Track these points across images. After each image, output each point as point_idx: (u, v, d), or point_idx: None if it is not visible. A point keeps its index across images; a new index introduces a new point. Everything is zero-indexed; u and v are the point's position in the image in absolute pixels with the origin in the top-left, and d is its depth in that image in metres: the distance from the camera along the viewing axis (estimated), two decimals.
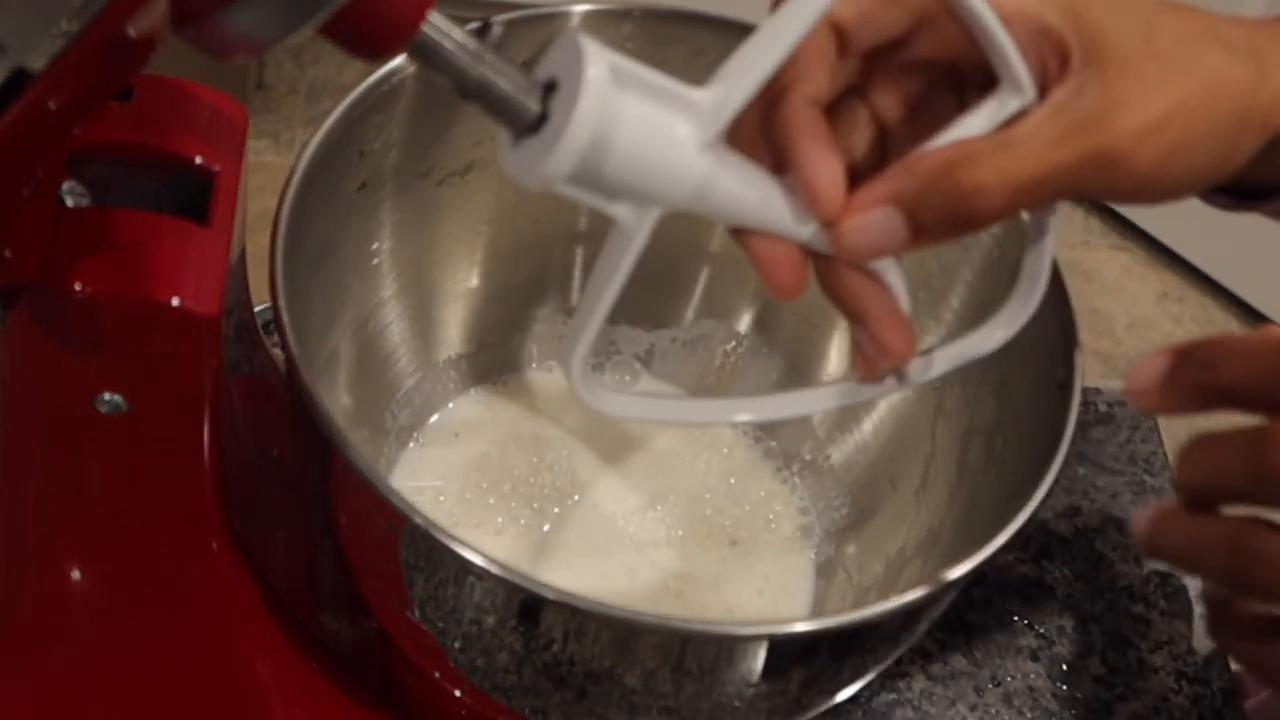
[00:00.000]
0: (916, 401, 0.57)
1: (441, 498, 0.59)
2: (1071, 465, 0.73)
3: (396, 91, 0.50)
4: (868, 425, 0.60)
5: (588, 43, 0.36)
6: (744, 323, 0.63)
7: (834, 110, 0.42)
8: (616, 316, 0.63)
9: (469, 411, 0.62)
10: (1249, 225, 2.09)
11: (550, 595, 0.40)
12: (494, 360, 0.63)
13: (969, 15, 0.38)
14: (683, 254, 0.62)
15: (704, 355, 0.64)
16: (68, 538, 0.47)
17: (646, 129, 0.37)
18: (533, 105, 0.37)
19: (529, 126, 0.37)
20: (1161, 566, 0.39)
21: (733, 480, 0.62)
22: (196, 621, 0.50)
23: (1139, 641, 0.67)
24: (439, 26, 0.37)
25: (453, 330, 0.62)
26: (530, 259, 0.62)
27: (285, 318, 0.43)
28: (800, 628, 0.42)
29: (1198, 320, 1.84)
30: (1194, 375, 0.38)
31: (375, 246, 0.55)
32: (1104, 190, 0.38)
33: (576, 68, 0.36)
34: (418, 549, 0.42)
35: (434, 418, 0.61)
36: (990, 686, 0.64)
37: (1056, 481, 0.44)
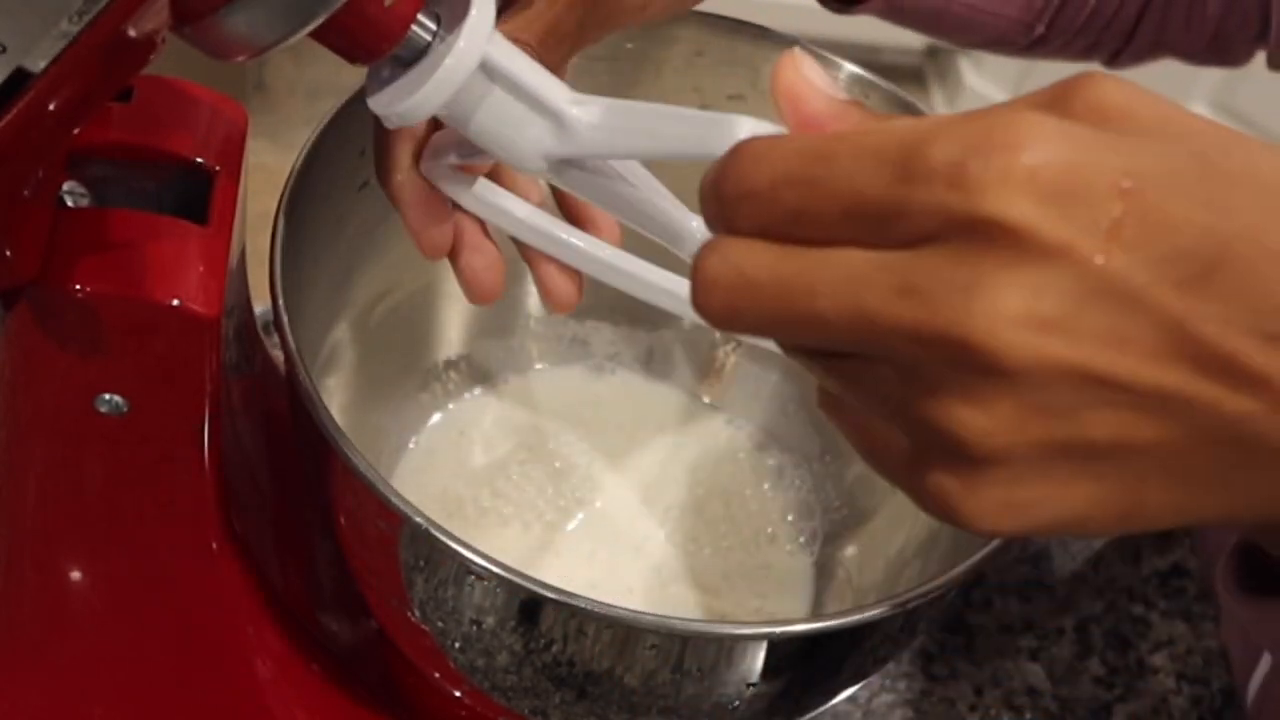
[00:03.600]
0: None
1: (443, 498, 0.59)
2: None
3: None
4: None
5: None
6: None
7: None
8: (617, 317, 0.63)
9: (470, 412, 0.62)
10: None
11: (550, 595, 0.40)
12: (494, 360, 0.63)
13: None
14: None
15: (703, 356, 0.64)
16: (68, 538, 0.47)
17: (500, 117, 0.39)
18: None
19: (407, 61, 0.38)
20: None
21: (734, 481, 0.62)
22: (196, 621, 0.50)
23: (1139, 641, 0.67)
24: (426, 25, 0.37)
25: (453, 330, 0.62)
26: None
27: (285, 318, 0.43)
28: (800, 628, 0.42)
29: None
30: None
31: (375, 247, 0.55)
32: (605, 26, 0.43)
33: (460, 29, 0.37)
34: (417, 549, 0.42)
35: (434, 418, 0.61)
36: (990, 686, 0.64)
37: None
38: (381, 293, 0.57)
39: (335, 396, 0.55)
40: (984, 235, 0.25)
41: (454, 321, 0.61)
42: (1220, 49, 0.65)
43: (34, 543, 0.47)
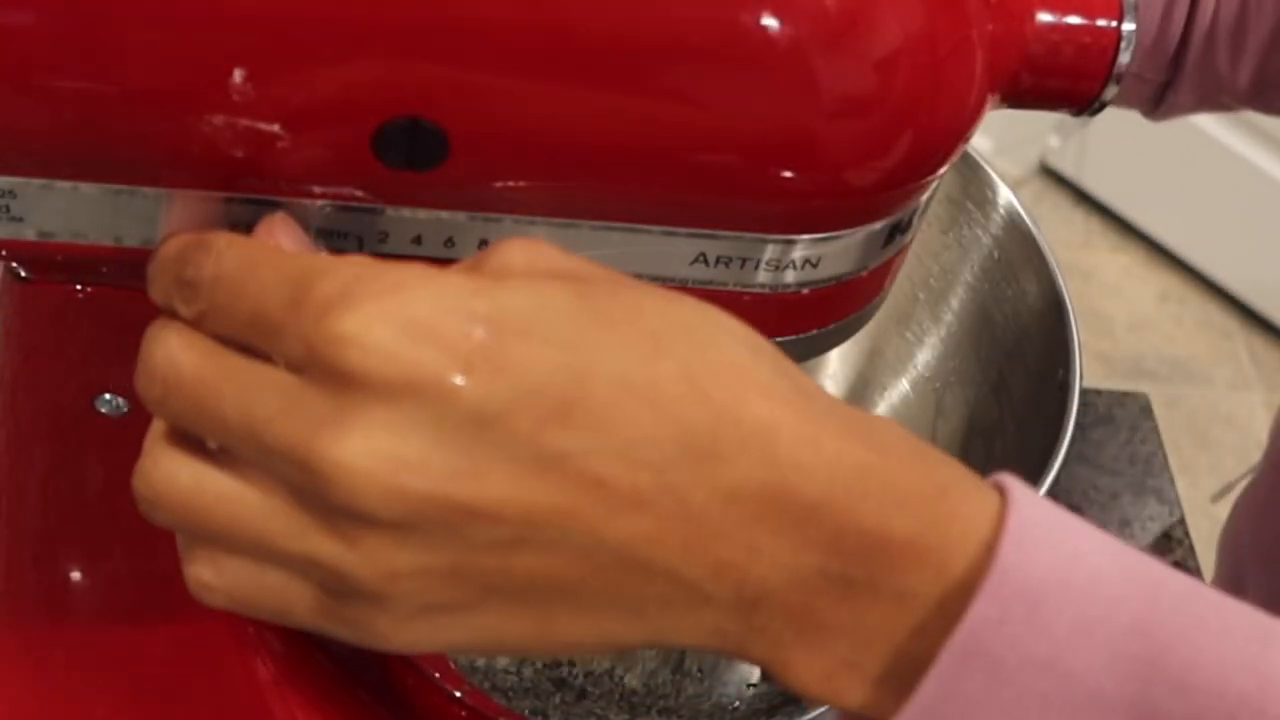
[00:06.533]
0: (917, 402, 0.57)
1: None
2: (1071, 466, 0.73)
3: None
4: None
5: None
6: None
7: None
8: None
9: None
10: (1249, 225, 2.10)
11: None
12: None
13: None
14: None
15: None
16: (68, 538, 0.47)
17: None
18: None
19: None
20: None
21: None
22: (196, 621, 0.50)
23: None
24: None
25: None
26: None
27: None
28: None
29: (1198, 321, 1.84)
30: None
31: None
32: None
33: None
34: None
35: None
36: None
37: (1056, 481, 0.44)
38: None
39: None
40: (341, 374, 0.26)
41: None
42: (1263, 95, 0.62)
43: (34, 543, 0.47)
